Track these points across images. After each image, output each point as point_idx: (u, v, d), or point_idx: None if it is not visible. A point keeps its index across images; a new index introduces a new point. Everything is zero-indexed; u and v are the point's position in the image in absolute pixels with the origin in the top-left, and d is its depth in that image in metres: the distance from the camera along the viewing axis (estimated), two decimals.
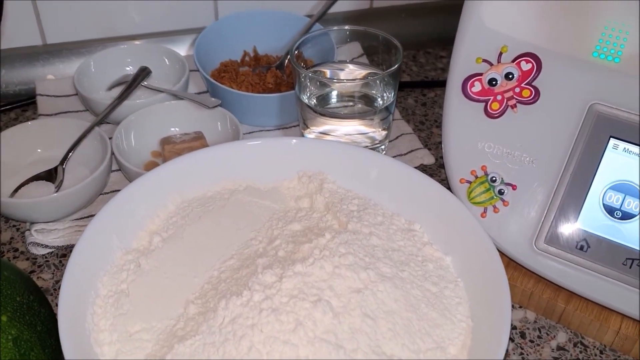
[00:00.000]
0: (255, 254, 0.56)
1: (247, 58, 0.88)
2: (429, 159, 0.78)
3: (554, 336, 0.61)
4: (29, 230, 0.66)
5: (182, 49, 0.90)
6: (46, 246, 0.65)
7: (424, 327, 0.50)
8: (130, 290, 0.52)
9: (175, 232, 0.57)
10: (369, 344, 0.48)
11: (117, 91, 0.79)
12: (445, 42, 0.98)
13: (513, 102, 0.60)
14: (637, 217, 0.56)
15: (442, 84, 0.92)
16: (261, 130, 0.80)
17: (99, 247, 0.54)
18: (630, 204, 0.56)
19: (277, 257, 0.54)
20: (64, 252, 0.66)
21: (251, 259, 0.55)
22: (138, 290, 0.52)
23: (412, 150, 0.78)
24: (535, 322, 0.62)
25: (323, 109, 0.72)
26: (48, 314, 0.50)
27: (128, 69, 0.83)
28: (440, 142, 0.83)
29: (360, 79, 0.70)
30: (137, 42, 0.88)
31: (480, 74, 0.60)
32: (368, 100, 0.74)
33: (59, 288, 0.62)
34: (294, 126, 0.81)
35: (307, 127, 0.75)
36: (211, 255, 0.56)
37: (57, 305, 0.59)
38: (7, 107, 0.83)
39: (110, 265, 0.55)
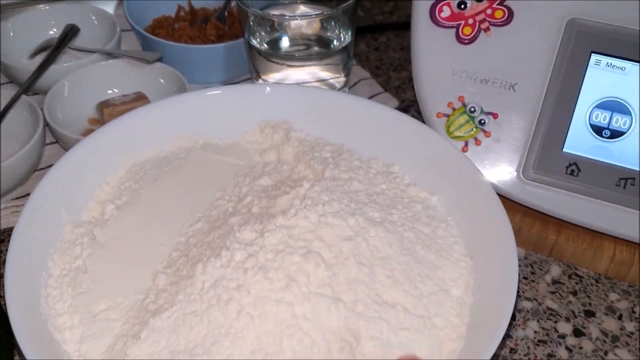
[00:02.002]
0: (225, 214, 0.50)
1: (182, 13, 0.80)
2: (392, 102, 0.73)
3: (547, 270, 0.58)
4: None
5: (109, 9, 0.82)
6: None
7: (423, 270, 0.46)
8: (88, 266, 0.45)
9: (131, 197, 0.50)
10: (368, 293, 0.43)
11: (41, 58, 0.71)
12: None
13: (486, 24, 0.55)
14: (628, 133, 0.53)
15: (392, 26, 0.88)
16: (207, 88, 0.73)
17: (45, 223, 0.47)
18: (619, 122, 0.53)
19: (252, 214, 0.48)
20: (1, 238, 0.58)
21: (221, 219, 0.49)
22: (97, 264, 0.45)
23: (374, 95, 0.73)
24: (526, 258, 0.59)
25: (277, 53, 0.66)
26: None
27: (52, 32, 0.74)
28: (400, 86, 0.79)
29: (317, 14, 0.64)
30: (58, 3, 0.78)
31: None
32: (324, 43, 0.68)
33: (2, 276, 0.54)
34: (243, 80, 0.75)
35: (260, 77, 0.69)
36: (175, 220, 0.50)
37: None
38: None
39: (60, 242, 0.47)
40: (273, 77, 0.68)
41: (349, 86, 0.73)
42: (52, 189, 0.48)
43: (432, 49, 0.57)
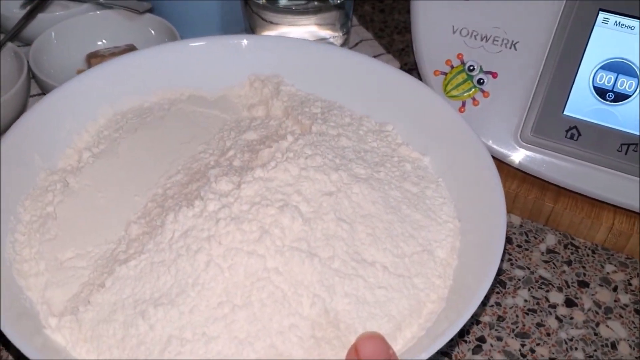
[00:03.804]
0: (206, 167, 0.48)
1: None
2: (394, 64, 0.70)
3: (543, 239, 0.56)
4: None
5: None
6: None
7: (407, 229, 0.44)
8: (58, 213, 0.43)
9: (108, 146, 0.49)
10: (347, 250, 0.41)
11: None
12: None
13: None
14: (633, 97, 0.50)
15: None
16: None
17: (18, 168, 0.45)
18: (624, 84, 0.51)
19: (233, 167, 0.46)
20: None
21: (201, 172, 0.47)
22: (67, 212, 0.44)
23: (375, 56, 0.71)
24: (521, 226, 0.57)
25: (275, 7, 0.63)
26: None
27: None
28: (403, 49, 0.76)
29: None
30: None
31: None
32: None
33: None
34: None
35: (255, 34, 0.67)
36: (153, 171, 0.48)
37: None
38: None
39: (32, 188, 0.46)
40: (269, 34, 0.65)
41: (348, 46, 0.71)
42: (25, 133, 0.46)
43: (431, 3, 0.54)
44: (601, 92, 0.51)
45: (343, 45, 0.68)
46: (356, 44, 0.73)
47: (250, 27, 0.67)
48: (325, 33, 0.67)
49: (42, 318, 0.38)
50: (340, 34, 0.67)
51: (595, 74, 0.51)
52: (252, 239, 0.39)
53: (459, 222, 0.46)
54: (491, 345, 0.48)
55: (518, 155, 0.54)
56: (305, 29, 0.66)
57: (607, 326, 0.49)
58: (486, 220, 0.44)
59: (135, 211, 0.45)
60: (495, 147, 0.54)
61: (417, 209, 0.45)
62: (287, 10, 0.65)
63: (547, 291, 0.52)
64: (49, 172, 0.47)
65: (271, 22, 0.66)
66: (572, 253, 0.55)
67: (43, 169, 0.47)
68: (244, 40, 0.56)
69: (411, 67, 0.73)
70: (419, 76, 0.58)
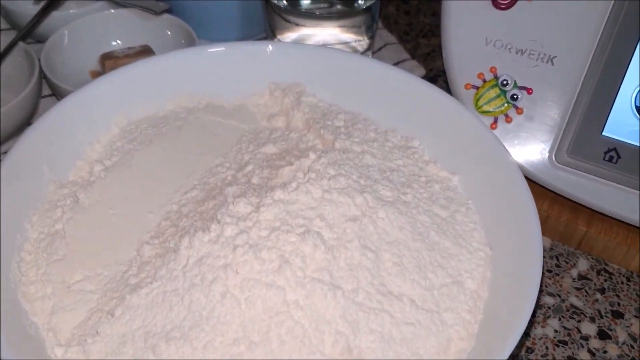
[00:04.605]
0: (223, 182, 0.46)
1: None
2: (419, 71, 0.68)
3: (574, 264, 0.53)
4: None
5: None
6: None
7: (435, 258, 0.41)
8: (67, 231, 0.41)
9: (121, 159, 0.46)
10: (372, 281, 0.38)
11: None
12: None
13: None
14: None
15: None
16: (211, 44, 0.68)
17: (25, 180, 0.43)
18: None
19: (251, 185, 0.44)
20: None
21: (218, 188, 0.45)
22: (77, 230, 0.41)
23: (399, 62, 0.68)
24: (551, 249, 0.54)
25: (297, 10, 0.61)
26: None
27: None
28: (429, 54, 0.73)
29: None
30: None
31: None
32: (347, 2, 0.63)
33: None
34: (260, 40, 0.70)
35: (275, 37, 0.64)
36: (168, 186, 0.45)
37: None
38: None
39: (40, 202, 0.43)
40: (290, 37, 0.63)
41: (372, 50, 0.68)
42: (34, 144, 0.44)
43: (464, 13, 0.51)
44: None
45: (367, 49, 0.66)
46: (380, 49, 0.70)
47: (271, 29, 0.64)
48: (348, 37, 0.64)
49: (47, 347, 0.36)
50: (365, 38, 0.65)
51: (637, 93, 0.48)
52: (271, 268, 0.37)
53: (490, 249, 0.43)
54: None
55: (552, 177, 0.51)
56: (327, 32, 0.63)
57: None
58: (520, 248, 0.41)
59: (148, 230, 0.42)
60: (528, 167, 0.51)
61: (447, 235, 0.43)
62: (310, 15, 0.62)
63: (579, 321, 0.49)
64: (59, 184, 0.45)
65: (293, 24, 0.63)
66: (605, 280, 0.52)
67: (52, 181, 0.45)
68: (265, 47, 0.53)
69: (437, 73, 0.70)
70: (445, 83, 0.55)
